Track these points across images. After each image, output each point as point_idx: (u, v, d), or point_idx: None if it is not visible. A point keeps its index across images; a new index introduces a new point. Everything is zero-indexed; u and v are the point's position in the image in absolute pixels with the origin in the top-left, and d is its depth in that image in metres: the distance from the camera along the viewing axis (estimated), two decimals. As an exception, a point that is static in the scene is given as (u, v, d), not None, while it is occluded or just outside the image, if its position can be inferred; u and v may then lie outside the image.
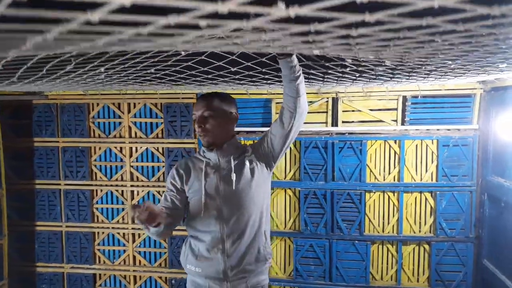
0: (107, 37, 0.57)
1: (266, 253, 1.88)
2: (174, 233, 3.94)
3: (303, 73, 1.66)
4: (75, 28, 0.50)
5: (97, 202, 4.07)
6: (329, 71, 1.87)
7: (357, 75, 2.00)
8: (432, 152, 3.56)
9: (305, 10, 0.57)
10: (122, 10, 0.49)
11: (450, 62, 1.87)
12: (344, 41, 0.85)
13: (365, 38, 0.88)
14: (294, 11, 0.55)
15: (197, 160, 1.89)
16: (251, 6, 0.52)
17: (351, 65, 1.67)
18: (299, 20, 0.63)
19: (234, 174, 1.78)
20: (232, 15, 0.56)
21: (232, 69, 1.65)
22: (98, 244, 4.11)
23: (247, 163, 1.83)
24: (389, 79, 2.17)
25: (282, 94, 3.55)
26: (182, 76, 1.90)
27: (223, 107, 1.82)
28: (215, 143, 1.83)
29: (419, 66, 1.80)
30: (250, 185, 1.80)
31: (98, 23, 0.49)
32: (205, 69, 1.66)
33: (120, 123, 3.98)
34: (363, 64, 1.65)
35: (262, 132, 3.70)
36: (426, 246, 3.64)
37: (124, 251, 4.09)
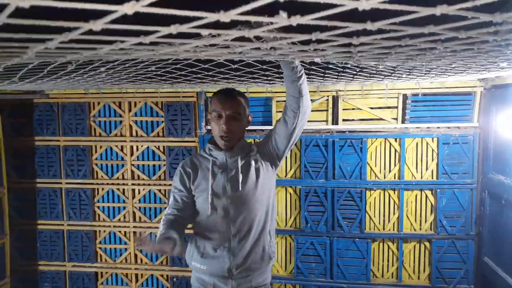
0: (109, 47, 0.57)
1: (271, 251, 1.88)
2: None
3: (303, 68, 1.66)
4: (77, 37, 0.51)
5: (98, 201, 4.08)
6: (330, 66, 1.86)
7: (357, 70, 2.00)
8: (433, 150, 3.56)
9: (307, 20, 0.57)
10: (124, 19, 0.49)
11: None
12: (345, 49, 0.85)
13: (367, 46, 0.88)
14: (296, 20, 0.55)
15: (202, 158, 1.87)
16: (253, 15, 0.52)
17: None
18: (300, 29, 0.63)
19: (241, 175, 1.78)
20: (234, 24, 0.56)
21: (233, 66, 1.65)
22: (100, 243, 4.12)
23: (253, 162, 1.82)
24: (390, 74, 2.18)
25: (282, 92, 3.57)
26: (183, 73, 1.89)
27: (245, 109, 1.82)
28: (233, 145, 1.82)
29: (421, 65, 1.80)
30: (256, 185, 1.80)
31: (100, 33, 0.49)
32: (207, 66, 1.65)
33: (121, 121, 3.98)
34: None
35: (262, 130, 3.70)
36: (427, 244, 3.65)
37: (126, 249, 4.09)
